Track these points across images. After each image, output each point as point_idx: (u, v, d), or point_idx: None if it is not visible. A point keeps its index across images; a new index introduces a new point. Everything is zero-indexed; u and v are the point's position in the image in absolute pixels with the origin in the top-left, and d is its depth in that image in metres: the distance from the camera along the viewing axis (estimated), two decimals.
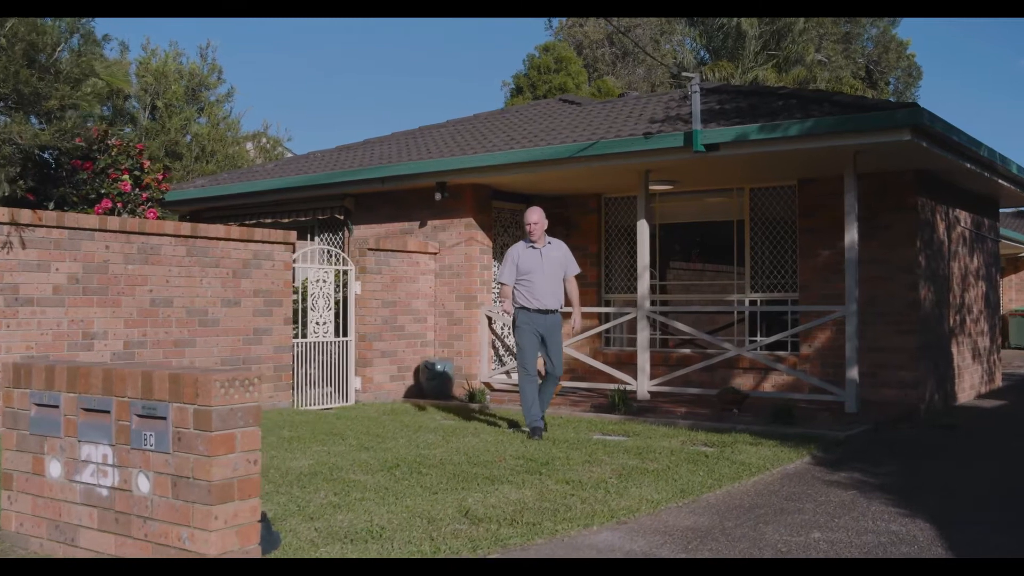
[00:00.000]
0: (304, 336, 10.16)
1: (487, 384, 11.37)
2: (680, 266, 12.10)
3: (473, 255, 11.28)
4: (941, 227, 10.76)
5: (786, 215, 10.93)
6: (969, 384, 11.72)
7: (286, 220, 12.86)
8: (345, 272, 10.67)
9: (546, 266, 7.86)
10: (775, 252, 11.01)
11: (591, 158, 9.69)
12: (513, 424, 8.61)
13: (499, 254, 11.99)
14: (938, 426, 9.06)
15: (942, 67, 55.44)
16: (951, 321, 11.06)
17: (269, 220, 13.04)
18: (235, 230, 9.33)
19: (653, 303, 11.86)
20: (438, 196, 11.09)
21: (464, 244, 11.27)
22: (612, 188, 11.76)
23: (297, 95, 67.31)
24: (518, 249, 7.99)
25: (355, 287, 10.65)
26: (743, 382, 10.87)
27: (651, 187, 10.96)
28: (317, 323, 10.19)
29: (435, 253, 11.49)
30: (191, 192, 13.61)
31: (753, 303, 11.14)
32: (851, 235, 8.87)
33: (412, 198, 11.63)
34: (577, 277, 8.25)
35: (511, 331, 8.22)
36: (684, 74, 9.22)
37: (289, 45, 73.81)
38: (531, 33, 58.63)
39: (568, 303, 8.18)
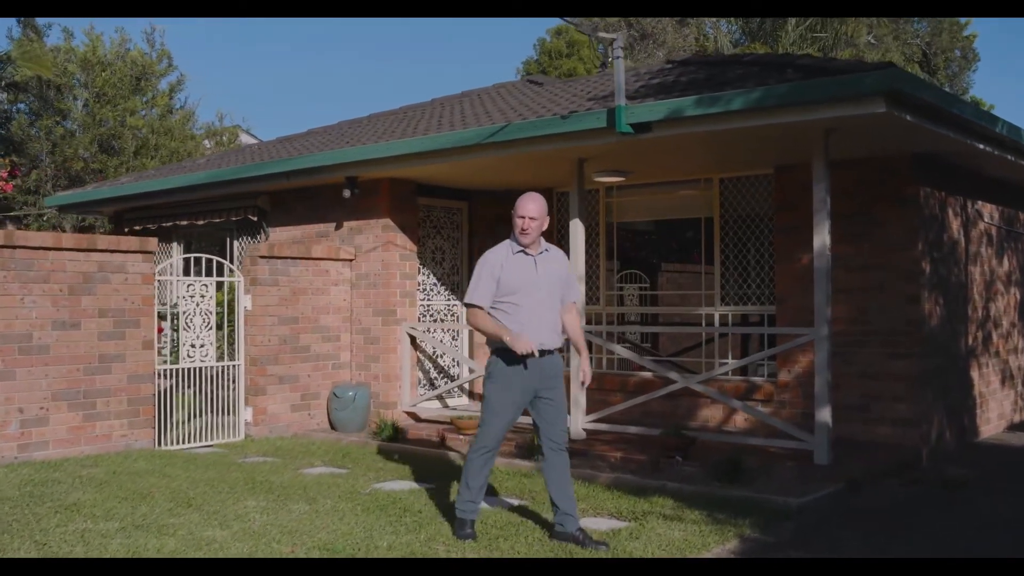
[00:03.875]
0: (176, 361, 8.57)
1: (411, 414, 9.65)
2: (638, 273, 10.20)
3: (391, 262, 9.56)
4: (955, 223, 8.72)
5: (763, 210, 9.00)
6: (997, 414, 9.64)
7: (201, 222, 11.33)
8: (234, 285, 9.05)
9: (543, 283, 5.12)
10: (750, 256, 9.09)
11: (502, 145, 7.89)
12: (399, 477, 6.89)
13: (429, 259, 10.26)
14: (939, 483, 7.06)
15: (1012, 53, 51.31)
16: (970, 338, 9.01)
17: (184, 222, 11.53)
18: (69, 238, 7.75)
19: (606, 319, 10.02)
20: (347, 193, 9.39)
21: (381, 249, 9.55)
22: (559, 181, 9.92)
23: (296, 83, 65.58)
24: (500, 254, 5.15)
25: (245, 302, 9.02)
26: (711, 414, 8.99)
27: (597, 179, 9.15)
28: (193, 345, 8.58)
29: (350, 260, 9.80)
30: (104, 192, 12.14)
31: (724, 318, 9.22)
32: (821, 237, 6.95)
33: (327, 196, 9.96)
34: None
35: (484, 381, 5.20)
36: (600, 35, 7.26)
37: (285, 33, 72.16)
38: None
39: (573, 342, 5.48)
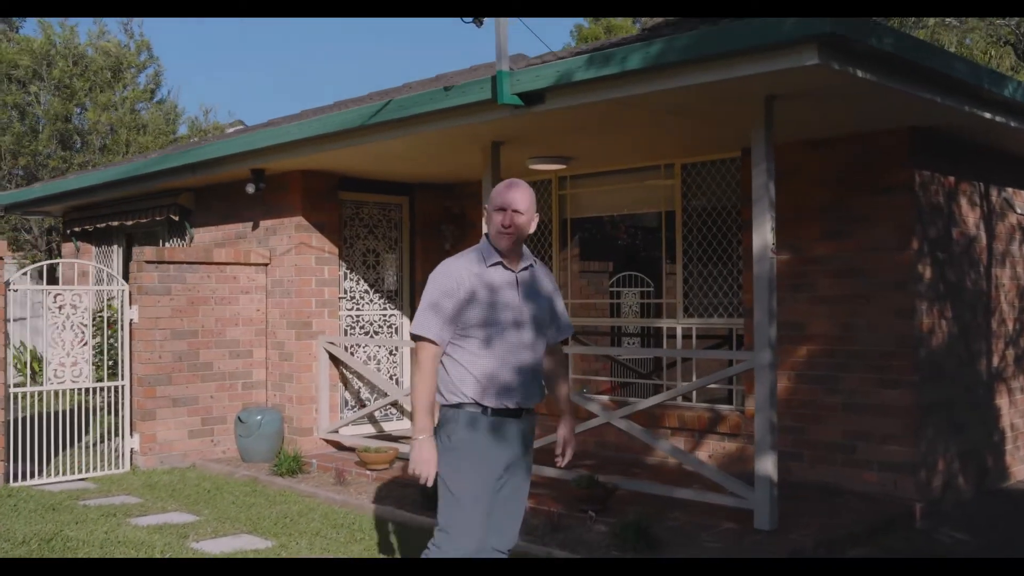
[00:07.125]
0: (39, 382, 7.48)
1: (334, 441, 8.37)
2: (592, 276, 8.72)
3: (306, 266, 8.29)
4: (972, 216, 6.99)
5: (730, 202, 7.42)
6: None
7: (130, 223, 10.29)
8: (115, 295, 7.91)
9: (528, 313, 3.54)
10: (717, 257, 7.51)
11: (391, 125, 6.53)
12: (249, 530, 5.60)
13: (359, 263, 8.96)
14: (921, 552, 5.41)
15: None
16: (996, 358, 7.26)
17: (116, 223, 10.50)
18: None
19: None
20: (250, 188, 8.18)
21: (294, 252, 8.29)
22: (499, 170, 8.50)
23: (316, 77, 64.13)
24: (464, 266, 3.50)
25: (131, 313, 7.88)
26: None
27: (533, 166, 7.73)
28: (61, 364, 7.46)
29: (264, 264, 8.57)
30: (36, 191, 11.22)
31: (687, 332, 7.67)
32: (762, 234, 5.39)
33: (242, 193, 8.75)
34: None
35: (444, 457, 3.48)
36: None
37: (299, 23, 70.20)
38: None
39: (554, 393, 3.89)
